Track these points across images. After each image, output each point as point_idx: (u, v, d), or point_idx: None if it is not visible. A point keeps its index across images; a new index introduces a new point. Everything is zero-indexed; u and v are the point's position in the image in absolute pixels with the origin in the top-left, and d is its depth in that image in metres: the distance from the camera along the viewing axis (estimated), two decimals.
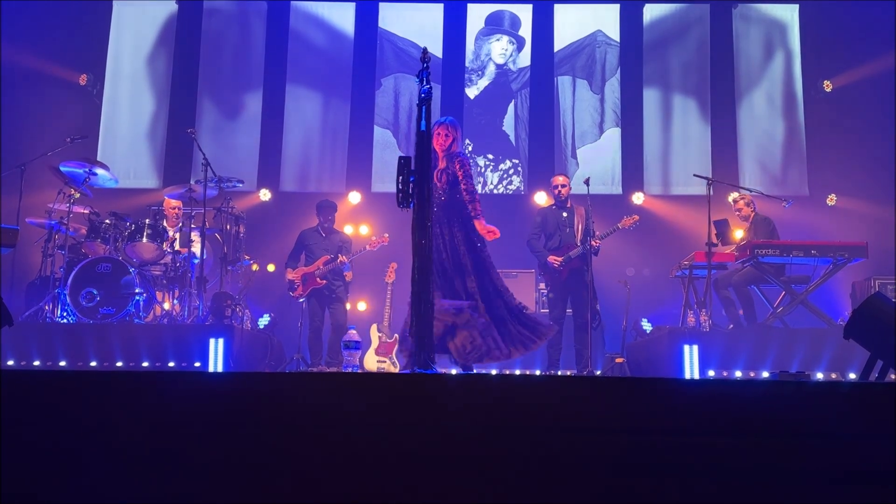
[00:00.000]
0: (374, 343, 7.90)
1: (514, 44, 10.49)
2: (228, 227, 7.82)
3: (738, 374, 6.41)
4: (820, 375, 6.19)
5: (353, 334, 7.07)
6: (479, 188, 10.02)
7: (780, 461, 2.25)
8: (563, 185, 7.44)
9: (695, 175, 8.06)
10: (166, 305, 7.46)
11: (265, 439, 2.30)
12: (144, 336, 6.55)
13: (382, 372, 7.51)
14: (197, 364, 6.34)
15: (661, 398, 2.43)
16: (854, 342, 4.28)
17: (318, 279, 7.84)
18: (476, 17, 10.52)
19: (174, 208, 7.95)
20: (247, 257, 8.13)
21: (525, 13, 10.48)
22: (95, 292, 6.87)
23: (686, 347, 6.46)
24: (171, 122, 10.13)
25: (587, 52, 10.39)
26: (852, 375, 6.03)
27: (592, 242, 7.07)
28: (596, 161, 10.06)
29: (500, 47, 10.50)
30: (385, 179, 9.86)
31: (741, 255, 7.11)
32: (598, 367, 7.71)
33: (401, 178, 4.21)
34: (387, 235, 7.98)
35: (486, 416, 2.35)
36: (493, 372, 7.95)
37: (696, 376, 6.29)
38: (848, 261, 6.96)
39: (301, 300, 7.90)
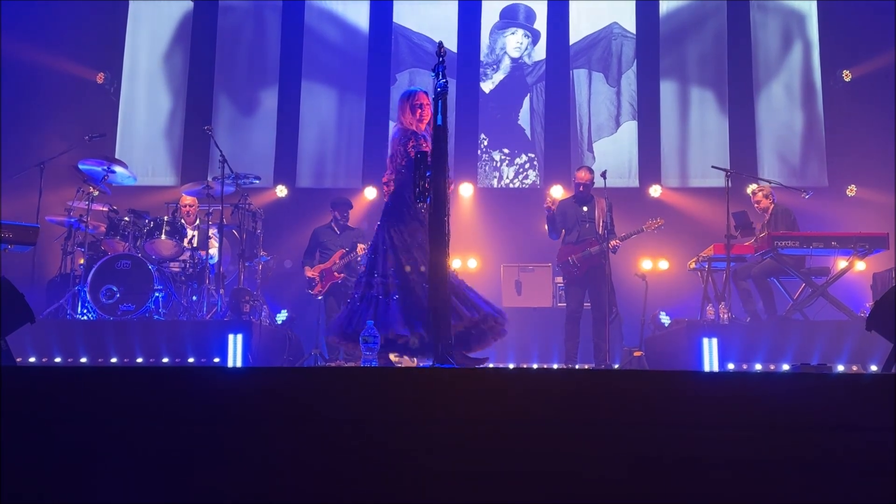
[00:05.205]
0: None
1: (529, 37, 10.45)
2: (245, 223, 7.86)
3: (759, 366, 6.37)
4: (841, 367, 6.14)
5: (371, 329, 7.06)
6: (494, 182, 10.13)
7: (802, 454, 2.23)
8: (583, 181, 7.41)
9: (713, 167, 8.01)
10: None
11: (284, 434, 2.31)
12: (164, 332, 6.59)
13: (401, 367, 7.50)
14: (216, 360, 6.38)
15: (680, 391, 2.41)
16: (876, 334, 4.24)
17: (335, 273, 7.86)
18: (491, 10, 10.49)
19: (188, 206, 7.98)
20: (264, 253, 8.16)
21: (540, 6, 10.44)
22: (115, 289, 6.91)
23: (705, 340, 6.43)
24: (187, 119, 10.19)
25: (603, 44, 10.34)
26: (874, 367, 5.98)
27: (612, 243, 7.10)
28: (613, 154, 10.02)
29: (515, 41, 10.47)
30: None
31: (760, 247, 7.06)
32: (616, 360, 7.69)
33: (417, 173, 4.21)
34: None
35: (505, 409, 2.34)
36: (511, 366, 7.96)
37: (716, 369, 6.25)
38: (868, 252, 6.90)
39: (320, 296, 7.93)
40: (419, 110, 5.14)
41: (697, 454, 2.24)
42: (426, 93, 5.22)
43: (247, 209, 7.90)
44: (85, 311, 6.94)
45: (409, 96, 5.27)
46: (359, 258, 7.89)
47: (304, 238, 8.41)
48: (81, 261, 7.33)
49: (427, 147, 4.81)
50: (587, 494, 2.20)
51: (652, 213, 8.30)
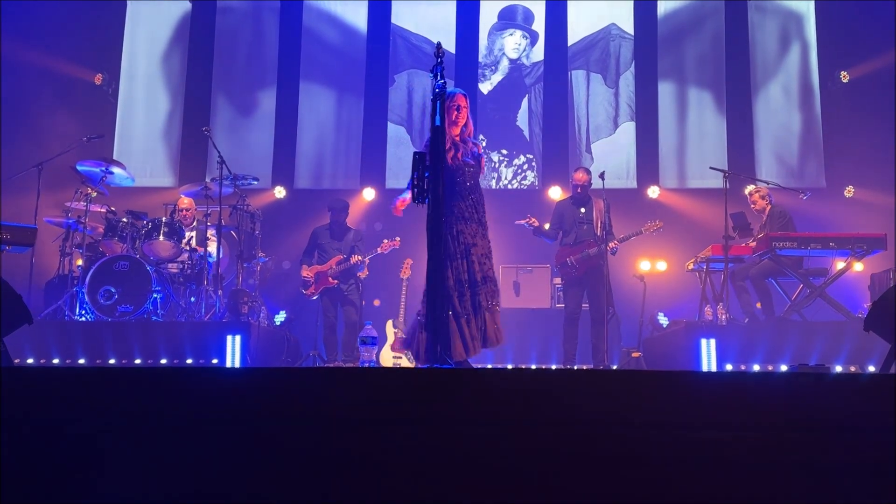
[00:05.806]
0: (390, 339, 7.91)
1: (527, 38, 10.46)
2: (244, 224, 7.85)
3: (757, 367, 6.37)
4: (839, 368, 6.14)
5: (369, 330, 7.07)
6: (493, 184, 10.13)
7: (800, 455, 2.23)
8: (581, 182, 7.42)
9: (711, 168, 8.02)
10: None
11: (282, 436, 2.31)
12: (162, 334, 6.59)
13: (399, 367, 7.51)
14: (214, 361, 6.37)
15: (678, 392, 2.41)
16: (874, 334, 4.24)
17: (330, 279, 7.87)
18: (489, 11, 10.50)
19: (186, 207, 7.96)
20: (262, 254, 8.16)
21: (538, 7, 10.45)
22: (113, 290, 6.90)
23: (703, 341, 6.43)
24: (185, 120, 10.19)
25: (601, 45, 10.35)
26: (872, 368, 5.98)
27: (611, 245, 7.11)
28: (611, 155, 10.03)
29: (513, 42, 10.48)
30: (399, 176, 9.87)
31: (758, 248, 7.07)
32: (614, 361, 7.69)
33: (416, 174, 4.21)
34: (398, 239, 7.95)
35: (502, 410, 2.34)
36: (509, 366, 7.96)
37: (714, 370, 6.25)
38: (866, 253, 6.91)
39: (314, 297, 7.94)
40: (455, 112, 4.93)
41: (696, 454, 2.24)
42: (465, 95, 5.05)
43: (245, 210, 7.90)
44: (83, 312, 6.93)
45: (448, 98, 4.97)
46: (356, 266, 7.89)
47: (302, 239, 8.42)
48: (79, 262, 7.32)
49: (452, 155, 4.82)
50: (586, 494, 2.20)
51: (650, 214, 8.31)
